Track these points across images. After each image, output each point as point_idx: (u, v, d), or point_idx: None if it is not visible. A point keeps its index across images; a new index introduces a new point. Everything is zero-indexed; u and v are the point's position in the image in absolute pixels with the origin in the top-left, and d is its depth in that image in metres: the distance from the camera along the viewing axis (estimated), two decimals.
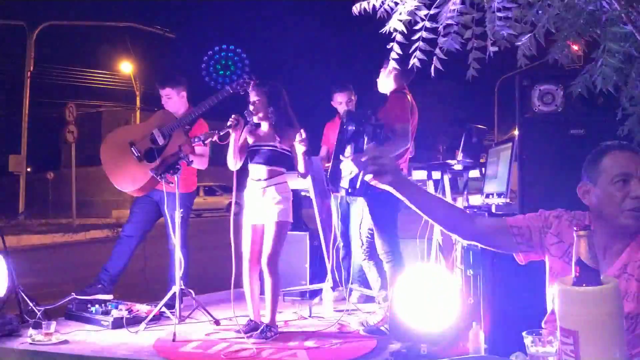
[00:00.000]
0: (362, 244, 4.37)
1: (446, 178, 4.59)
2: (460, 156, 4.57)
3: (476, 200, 4.30)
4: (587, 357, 1.33)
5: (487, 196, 3.95)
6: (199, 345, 3.65)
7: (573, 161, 2.76)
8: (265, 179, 3.87)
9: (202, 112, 4.50)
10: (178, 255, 4.35)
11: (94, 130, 28.74)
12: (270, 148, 3.88)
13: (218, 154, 4.44)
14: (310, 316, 4.34)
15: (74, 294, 4.42)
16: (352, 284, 4.86)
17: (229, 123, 3.86)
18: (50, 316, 4.15)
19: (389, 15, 2.27)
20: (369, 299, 4.72)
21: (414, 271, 3.54)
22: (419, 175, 4.68)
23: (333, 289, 4.68)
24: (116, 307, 4.22)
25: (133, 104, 23.84)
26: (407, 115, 3.97)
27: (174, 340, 3.68)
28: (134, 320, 4.10)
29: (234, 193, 3.98)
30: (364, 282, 4.77)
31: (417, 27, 2.26)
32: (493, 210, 3.48)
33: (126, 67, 23.13)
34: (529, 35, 2.13)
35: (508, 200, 3.63)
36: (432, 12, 2.24)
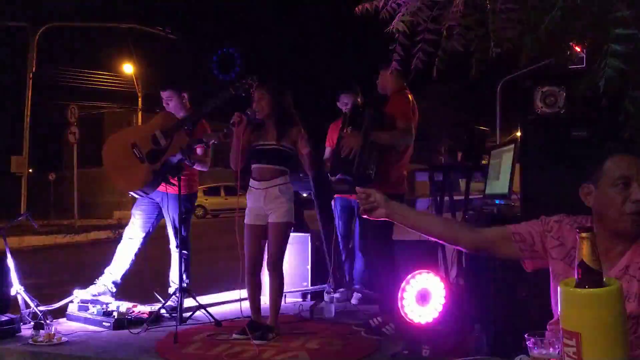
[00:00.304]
0: None
1: (448, 180, 4.59)
2: (462, 158, 4.57)
3: (478, 201, 4.29)
4: (589, 359, 1.33)
5: (490, 198, 3.94)
6: (200, 347, 3.64)
7: (575, 163, 2.75)
8: (268, 179, 3.86)
9: (205, 114, 4.50)
10: (179, 257, 4.36)
11: (95, 132, 28.73)
12: (273, 148, 3.87)
13: None
14: (311, 317, 4.34)
15: (75, 294, 4.43)
16: (353, 285, 4.86)
17: (231, 121, 3.87)
18: (52, 317, 4.15)
19: (391, 16, 2.26)
20: (371, 301, 4.71)
21: (418, 273, 3.53)
22: (421, 176, 4.68)
23: (335, 290, 4.68)
24: (117, 308, 4.23)
25: (135, 106, 23.84)
26: (410, 114, 3.98)
27: (175, 341, 3.68)
28: (136, 321, 4.11)
29: (237, 193, 3.99)
30: (366, 284, 4.77)
31: (419, 29, 2.26)
32: (495, 211, 3.48)
33: (128, 68, 23.16)
34: (531, 36, 2.12)
35: (510, 202, 3.63)
36: (434, 13, 2.24)
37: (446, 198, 4.61)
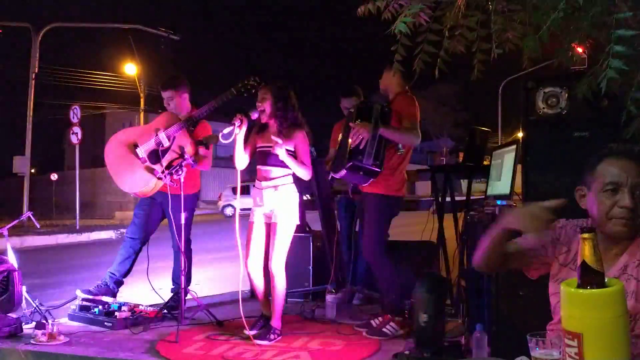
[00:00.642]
0: None
1: (450, 180, 4.59)
2: (464, 158, 4.57)
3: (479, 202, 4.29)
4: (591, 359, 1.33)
5: (491, 198, 3.94)
6: (202, 347, 3.65)
7: (577, 164, 2.75)
8: (269, 180, 3.87)
9: (206, 114, 4.50)
10: (181, 257, 4.36)
11: (98, 132, 28.83)
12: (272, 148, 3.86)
13: None
14: (313, 318, 4.34)
15: (77, 294, 4.44)
16: (355, 285, 4.86)
17: (233, 122, 3.87)
18: (54, 317, 4.16)
19: (393, 17, 2.27)
20: (372, 301, 4.72)
21: (419, 274, 3.54)
22: (422, 176, 4.69)
23: (336, 290, 4.68)
24: (119, 308, 4.23)
25: (137, 106, 23.86)
26: (417, 115, 3.98)
27: (176, 341, 3.69)
28: (137, 321, 4.11)
29: (238, 194, 3.99)
30: (367, 284, 4.77)
31: (421, 29, 2.26)
32: (497, 212, 3.47)
33: (130, 69, 23.17)
34: (533, 37, 2.12)
35: (512, 203, 3.63)
36: (436, 14, 2.24)
37: (447, 199, 4.62)
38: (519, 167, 3.37)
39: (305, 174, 3.87)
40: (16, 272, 4.13)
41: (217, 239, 9.73)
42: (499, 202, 3.69)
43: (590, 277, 1.36)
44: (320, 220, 4.95)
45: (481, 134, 4.64)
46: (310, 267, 5.05)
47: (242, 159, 3.95)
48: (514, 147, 3.77)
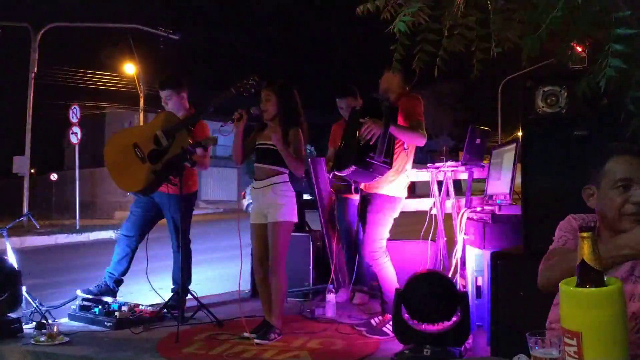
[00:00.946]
0: None
1: (449, 179, 4.59)
2: (463, 157, 4.57)
3: (479, 202, 4.30)
4: (590, 358, 1.33)
5: (491, 198, 3.94)
6: (202, 346, 3.64)
7: (577, 162, 2.76)
8: (266, 178, 3.87)
9: (206, 113, 4.50)
10: (180, 256, 4.36)
11: (97, 132, 28.79)
12: (270, 148, 3.87)
13: None
14: (313, 317, 4.34)
15: (77, 294, 4.44)
16: (355, 285, 4.86)
17: (233, 117, 3.88)
18: (54, 317, 4.16)
19: (392, 16, 2.27)
20: (372, 300, 4.72)
21: (419, 273, 3.54)
22: (422, 176, 4.69)
23: (336, 289, 4.68)
24: (119, 308, 4.23)
25: (137, 106, 23.86)
26: (422, 114, 3.97)
27: (176, 341, 3.69)
28: (137, 321, 4.12)
29: (239, 195, 3.99)
30: (367, 283, 4.77)
31: (421, 28, 2.26)
32: (496, 211, 3.48)
33: (130, 68, 23.18)
34: (532, 36, 2.12)
35: (511, 202, 3.63)
36: (435, 13, 2.24)
37: (447, 198, 4.62)
38: (519, 166, 3.36)
39: (296, 166, 3.84)
40: (16, 273, 4.13)
41: (217, 239, 9.74)
42: (498, 201, 3.70)
43: (589, 276, 1.36)
44: (320, 219, 4.95)
45: (481, 133, 4.64)
46: (310, 267, 5.05)
47: (238, 155, 3.96)
48: (513, 146, 3.78)
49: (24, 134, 16.22)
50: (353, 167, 3.81)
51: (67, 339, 3.70)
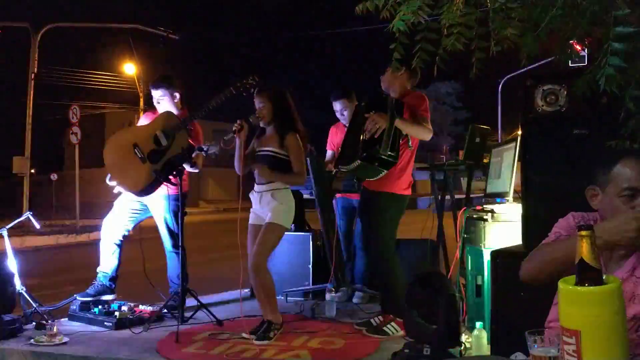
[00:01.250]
0: None
1: (449, 178, 4.59)
2: (463, 156, 4.57)
3: (479, 200, 4.30)
4: (589, 357, 1.33)
5: (490, 196, 3.94)
6: (202, 346, 3.65)
7: (576, 161, 2.76)
8: (263, 183, 3.88)
9: (205, 114, 4.48)
10: (177, 256, 4.36)
11: (97, 132, 28.80)
12: (268, 153, 3.88)
13: None
14: (313, 316, 4.34)
15: (76, 295, 4.43)
16: (355, 284, 4.86)
17: (234, 128, 3.87)
18: (54, 317, 4.16)
19: (392, 15, 2.26)
20: (372, 300, 4.72)
21: (419, 272, 3.54)
22: (422, 175, 4.68)
23: (336, 289, 4.68)
24: (119, 308, 4.23)
25: (136, 106, 23.86)
26: (428, 111, 3.95)
27: (176, 340, 3.69)
28: (137, 321, 4.11)
29: (239, 199, 3.98)
30: (367, 283, 4.77)
31: (420, 28, 2.26)
32: (496, 210, 3.48)
33: (129, 68, 23.18)
34: (532, 35, 2.12)
35: (511, 201, 3.63)
36: (434, 12, 2.24)
37: (447, 197, 4.62)
38: (518, 164, 3.36)
39: (297, 182, 3.91)
40: (16, 273, 4.13)
41: (217, 239, 9.74)
42: (498, 200, 3.70)
43: (588, 275, 1.36)
44: (320, 219, 4.95)
45: (481, 131, 4.64)
46: (310, 266, 5.05)
47: (241, 165, 3.92)
48: (513, 144, 3.78)
49: (24, 134, 16.22)
50: (358, 162, 3.73)
51: (66, 339, 3.71)
